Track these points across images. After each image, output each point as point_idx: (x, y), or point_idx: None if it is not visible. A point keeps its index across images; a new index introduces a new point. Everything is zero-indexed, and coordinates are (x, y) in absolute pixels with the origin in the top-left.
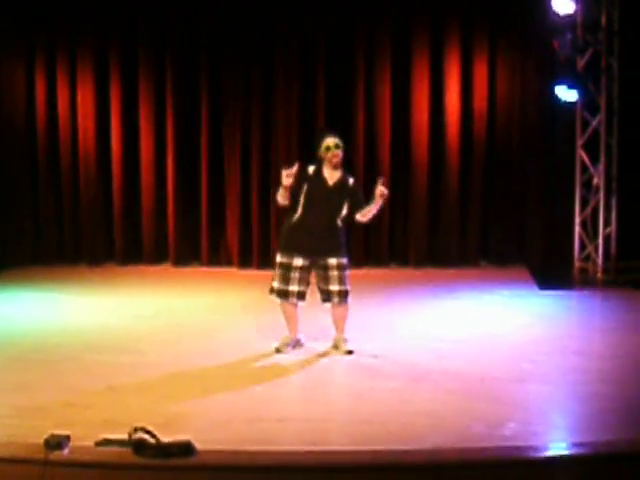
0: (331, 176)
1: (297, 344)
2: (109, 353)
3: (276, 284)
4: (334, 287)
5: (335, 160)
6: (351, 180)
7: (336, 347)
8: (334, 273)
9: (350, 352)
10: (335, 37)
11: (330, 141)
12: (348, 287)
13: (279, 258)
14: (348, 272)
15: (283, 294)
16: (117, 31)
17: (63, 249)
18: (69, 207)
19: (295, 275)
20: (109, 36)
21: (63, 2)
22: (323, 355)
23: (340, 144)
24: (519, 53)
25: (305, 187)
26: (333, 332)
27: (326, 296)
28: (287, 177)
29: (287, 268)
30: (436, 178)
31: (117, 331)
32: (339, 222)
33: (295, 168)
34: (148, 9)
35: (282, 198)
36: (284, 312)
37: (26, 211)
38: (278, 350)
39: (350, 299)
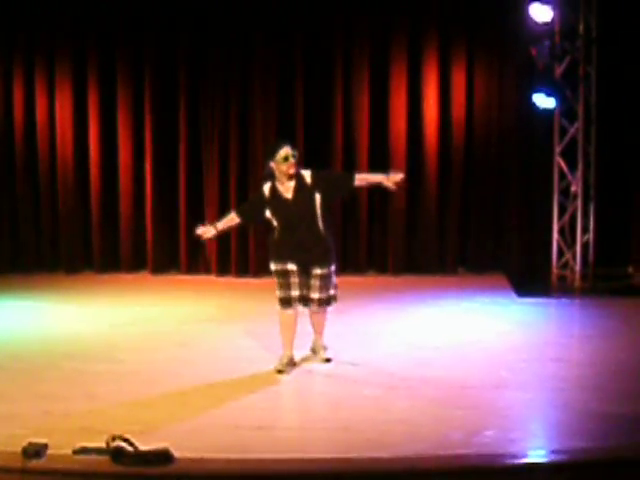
0: (286, 189)
1: (292, 363)
2: (87, 361)
3: (278, 292)
4: (314, 295)
5: (292, 170)
6: (307, 176)
7: (314, 351)
8: (316, 282)
9: (328, 360)
10: (313, 45)
11: (288, 151)
12: (331, 292)
13: (273, 266)
14: (334, 278)
15: (286, 301)
16: (95, 38)
17: (41, 257)
18: (47, 214)
19: (295, 280)
20: (87, 43)
21: (40, 10)
22: (301, 361)
23: (296, 154)
24: (497, 61)
25: (270, 211)
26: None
27: (305, 302)
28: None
29: (284, 274)
30: (414, 185)
31: (95, 339)
32: (321, 227)
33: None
34: (126, 16)
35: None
36: (283, 322)
37: (4, 218)
38: (280, 371)
39: (334, 304)
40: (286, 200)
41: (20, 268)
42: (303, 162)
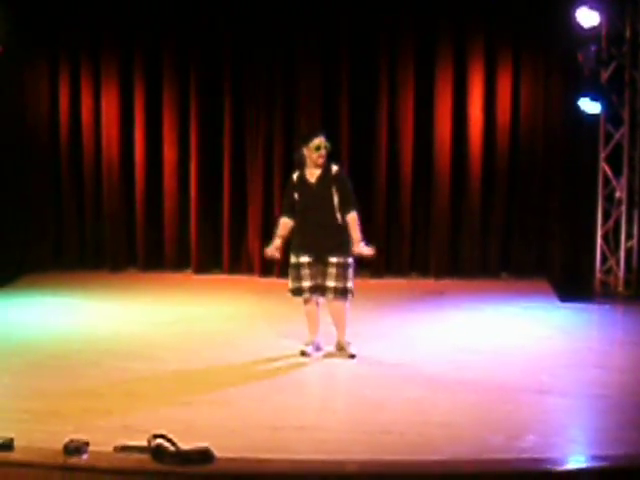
0: (312, 175)
1: (317, 348)
2: (129, 359)
3: (290, 284)
4: (330, 283)
5: (321, 160)
6: (334, 168)
7: (339, 349)
8: (332, 270)
9: (353, 356)
10: (358, 50)
11: (321, 141)
12: (348, 284)
13: (291, 259)
14: (351, 270)
15: (297, 291)
16: (141, 39)
17: (85, 254)
18: (91, 213)
19: (305, 272)
20: (133, 44)
21: (86, 12)
22: (325, 357)
23: (328, 146)
24: (543, 66)
25: (296, 196)
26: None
27: (321, 292)
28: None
29: (296, 267)
30: (458, 190)
31: (137, 338)
32: (338, 217)
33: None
34: (172, 17)
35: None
36: (305, 311)
37: (48, 216)
38: (303, 353)
39: (350, 297)
40: (310, 184)
41: (65, 266)
42: (349, 168)
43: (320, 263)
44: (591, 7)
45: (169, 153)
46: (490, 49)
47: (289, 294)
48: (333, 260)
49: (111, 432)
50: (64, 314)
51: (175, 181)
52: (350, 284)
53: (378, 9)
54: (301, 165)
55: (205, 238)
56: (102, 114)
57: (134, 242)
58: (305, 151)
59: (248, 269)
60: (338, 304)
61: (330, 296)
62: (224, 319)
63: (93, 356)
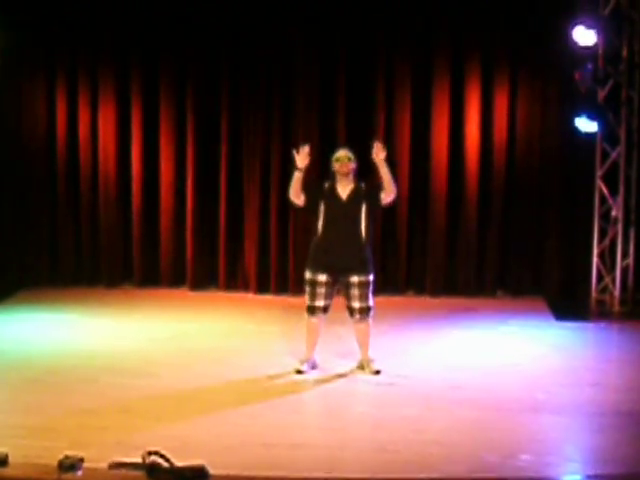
0: (344, 189)
1: (313, 366)
2: (124, 376)
3: (307, 301)
4: (355, 304)
5: (343, 169)
6: (363, 185)
7: (362, 367)
8: (355, 292)
9: (378, 372)
10: (355, 66)
11: (340, 153)
12: (370, 304)
13: (306, 275)
14: (371, 288)
15: (311, 310)
16: (138, 54)
17: (81, 270)
18: (88, 228)
19: (321, 291)
20: (130, 59)
21: (84, 25)
22: (340, 377)
23: (351, 157)
24: (540, 84)
25: (322, 205)
26: (351, 352)
27: (349, 312)
28: (302, 158)
29: (313, 284)
30: (455, 207)
31: (132, 354)
32: (363, 236)
33: (307, 148)
34: (169, 32)
35: (295, 191)
36: (307, 327)
37: (45, 231)
38: (299, 371)
39: (372, 315)
40: (340, 198)
41: (61, 282)
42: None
43: (341, 283)
44: (588, 26)
45: (166, 169)
46: (487, 67)
47: (305, 312)
48: (355, 280)
49: (106, 448)
50: (60, 330)
51: (172, 197)
52: (372, 302)
53: (375, 25)
54: (333, 179)
55: (201, 255)
56: (99, 129)
57: (130, 258)
58: (332, 166)
59: (244, 286)
60: (364, 325)
61: (357, 316)
62: (220, 336)
63: (89, 372)
